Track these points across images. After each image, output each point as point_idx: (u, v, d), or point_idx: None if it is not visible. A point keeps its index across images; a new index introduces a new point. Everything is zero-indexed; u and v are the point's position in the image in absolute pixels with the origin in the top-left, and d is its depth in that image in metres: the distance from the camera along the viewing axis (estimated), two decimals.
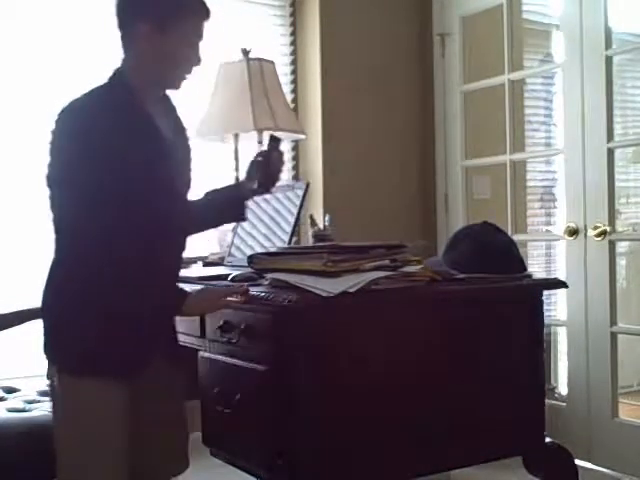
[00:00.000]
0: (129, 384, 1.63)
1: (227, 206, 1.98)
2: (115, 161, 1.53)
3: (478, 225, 2.06)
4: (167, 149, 1.69)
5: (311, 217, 2.39)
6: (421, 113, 3.68)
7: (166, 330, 1.77)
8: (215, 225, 2.11)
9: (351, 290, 1.58)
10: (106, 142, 1.53)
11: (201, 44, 1.70)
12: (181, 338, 2.00)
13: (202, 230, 2.02)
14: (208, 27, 1.72)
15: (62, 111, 1.58)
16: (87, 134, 1.53)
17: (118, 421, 1.62)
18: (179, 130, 1.81)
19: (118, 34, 1.68)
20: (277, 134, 2.82)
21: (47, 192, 1.59)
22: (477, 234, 2.00)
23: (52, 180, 1.58)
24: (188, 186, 1.82)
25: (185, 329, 1.99)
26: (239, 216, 2.02)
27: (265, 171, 1.94)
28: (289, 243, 2.20)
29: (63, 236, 1.59)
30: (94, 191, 1.52)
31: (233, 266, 2.26)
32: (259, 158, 1.95)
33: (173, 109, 1.82)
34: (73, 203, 1.55)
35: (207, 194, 1.97)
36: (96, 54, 2.83)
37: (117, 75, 1.68)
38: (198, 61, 1.70)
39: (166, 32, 1.62)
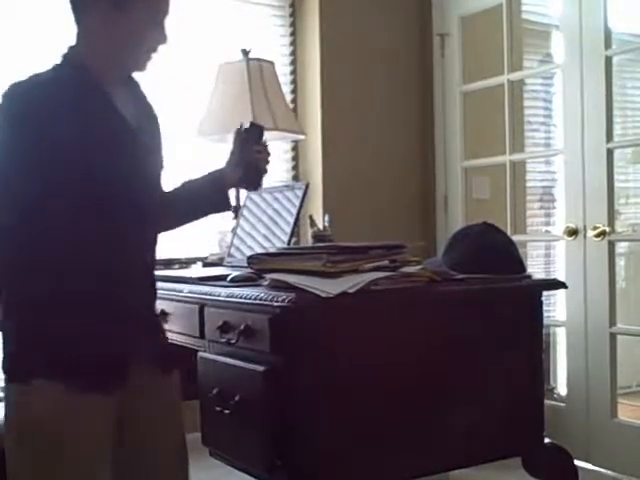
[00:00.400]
0: (108, 398, 1.48)
1: (207, 195, 1.79)
2: (62, 147, 1.41)
3: (477, 225, 2.06)
4: (128, 132, 1.54)
5: (310, 217, 2.39)
6: (421, 113, 3.68)
7: (146, 332, 1.60)
8: (196, 217, 1.85)
9: (350, 291, 1.58)
10: (52, 126, 1.40)
11: (167, 21, 1.55)
12: (179, 338, 2.00)
13: (183, 223, 1.84)
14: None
15: (4, 94, 1.45)
16: (29, 118, 1.41)
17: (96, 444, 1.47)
18: (147, 116, 1.66)
19: (70, 11, 1.53)
20: (276, 133, 2.85)
21: None
22: (476, 234, 2.00)
23: None
24: (156, 175, 1.67)
25: (184, 329, 1.99)
26: (222, 205, 1.82)
27: (247, 166, 1.78)
28: (288, 243, 2.20)
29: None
30: (38, 185, 1.41)
31: (233, 267, 2.26)
32: (237, 140, 1.81)
33: (141, 93, 1.67)
34: (16, 200, 1.42)
35: (184, 183, 1.81)
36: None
37: (70, 54, 1.53)
38: (164, 40, 1.54)
39: (124, 8, 1.47)
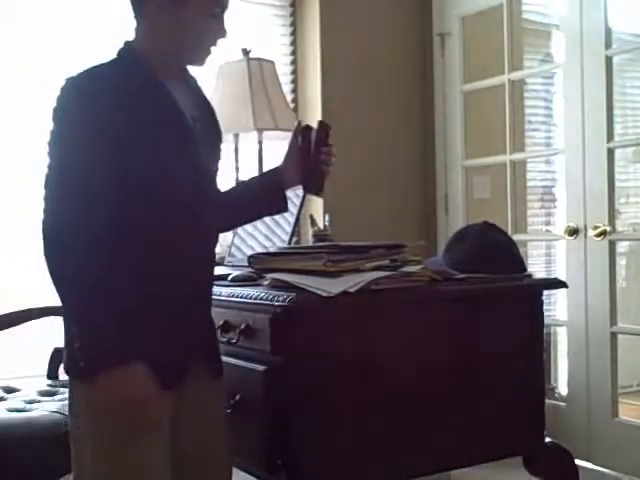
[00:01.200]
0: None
1: (264, 195, 1.75)
2: (120, 141, 1.39)
3: (478, 225, 2.06)
4: (187, 128, 1.51)
5: (311, 217, 2.38)
6: (421, 113, 3.68)
7: (206, 333, 1.59)
8: (252, 218, 1.87)
9: (351, 290, 1.58)
10: (110, 118, 1.38)
11: (226, 15, 1.54)
12: None
13: (238, 224, 1.83)
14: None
15: (62, 89, 1.42)
16: (88, 111, 1.38)
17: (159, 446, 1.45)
18: (204, 111, 1.63)
19: (129, 4, 1.52)
20: (276, 133, 2.85)
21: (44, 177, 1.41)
22: (477, 234, 2.00)
23: (52, 170, 1.41)
24: (212, 173, 1.62)
25: None
26: (278, 207, 1.76)
27: (312, 167, 1.71)
28: (289, 243, 2.20)
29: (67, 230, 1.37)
30: (99, 176, 1.37)
31: (233, 266, 2.26)
32: (298, 140, 1.74)
33: (197, 88, 1.65)
34: (77, 191, 1.38)
35: (240, 183, 1.76)
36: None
37: (126, 48, 1.51)
38: (223, 33, 1.53)
39: (182, 2, 1.47)
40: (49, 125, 1.43)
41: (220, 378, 1.62)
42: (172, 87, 1.52)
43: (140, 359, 1.37)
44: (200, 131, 1.55)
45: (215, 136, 1.64)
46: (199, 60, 1.57)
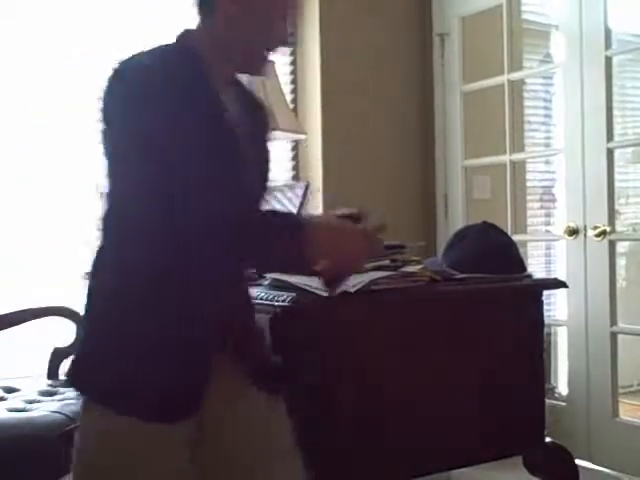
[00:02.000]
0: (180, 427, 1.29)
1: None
2: (157, 137, 1.22)
3: (478, 225, 2.06)
4: (231, 137, 1.33)
5: None
6: (421, 113, 3.68)
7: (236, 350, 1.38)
8: (282, 261, 1.40)
9: (351, 290, 1.58)
10: (151, 113, 1.22)
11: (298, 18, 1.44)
12: None
13: (264, 268, 1.62)
14: None
15: (115, 72, 1.27)
16: (145, 97, 1.23)
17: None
18: (256, 123, 1.46)
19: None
20: (276, 133, 2.85)
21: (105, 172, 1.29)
22: (477, 234, 2.00)
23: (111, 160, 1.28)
24: (256, 193, 1.42)
25: None
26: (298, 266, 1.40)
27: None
28: None
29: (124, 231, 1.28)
30: (150, 179, 1.23)
31: None
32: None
33: (252, 99, 1.50)
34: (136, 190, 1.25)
35: (277, 212, 1.50)
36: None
37: (184, 39, 1.36)
38: (286, 38, 1.39)
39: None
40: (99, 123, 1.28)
41: (277, 397, 1.44)
42: (224, 91, 1.36)
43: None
44: (247, 144, 1.36)
45: (263, 152, 1.47)
46: (257, 66, 1.42)
